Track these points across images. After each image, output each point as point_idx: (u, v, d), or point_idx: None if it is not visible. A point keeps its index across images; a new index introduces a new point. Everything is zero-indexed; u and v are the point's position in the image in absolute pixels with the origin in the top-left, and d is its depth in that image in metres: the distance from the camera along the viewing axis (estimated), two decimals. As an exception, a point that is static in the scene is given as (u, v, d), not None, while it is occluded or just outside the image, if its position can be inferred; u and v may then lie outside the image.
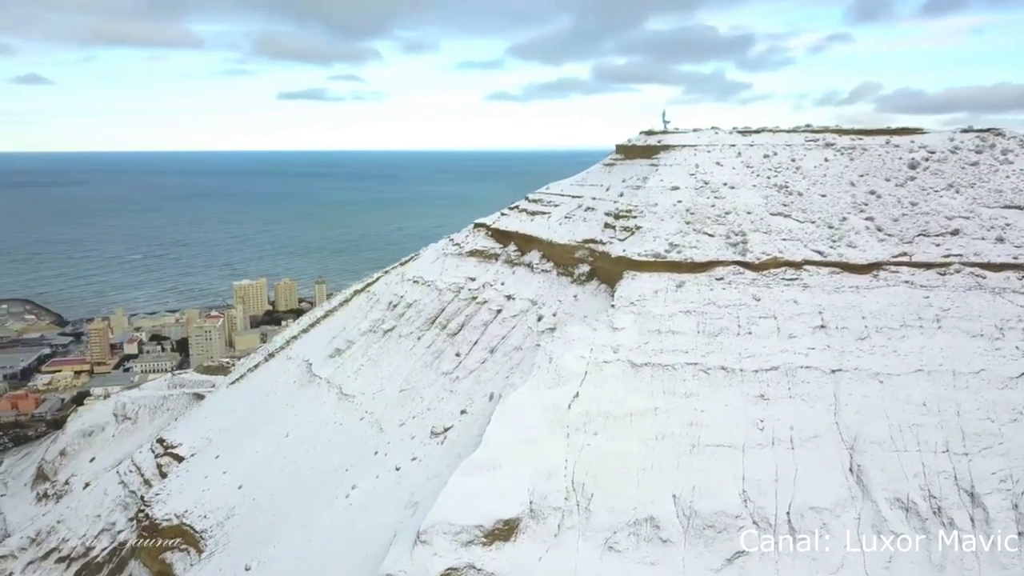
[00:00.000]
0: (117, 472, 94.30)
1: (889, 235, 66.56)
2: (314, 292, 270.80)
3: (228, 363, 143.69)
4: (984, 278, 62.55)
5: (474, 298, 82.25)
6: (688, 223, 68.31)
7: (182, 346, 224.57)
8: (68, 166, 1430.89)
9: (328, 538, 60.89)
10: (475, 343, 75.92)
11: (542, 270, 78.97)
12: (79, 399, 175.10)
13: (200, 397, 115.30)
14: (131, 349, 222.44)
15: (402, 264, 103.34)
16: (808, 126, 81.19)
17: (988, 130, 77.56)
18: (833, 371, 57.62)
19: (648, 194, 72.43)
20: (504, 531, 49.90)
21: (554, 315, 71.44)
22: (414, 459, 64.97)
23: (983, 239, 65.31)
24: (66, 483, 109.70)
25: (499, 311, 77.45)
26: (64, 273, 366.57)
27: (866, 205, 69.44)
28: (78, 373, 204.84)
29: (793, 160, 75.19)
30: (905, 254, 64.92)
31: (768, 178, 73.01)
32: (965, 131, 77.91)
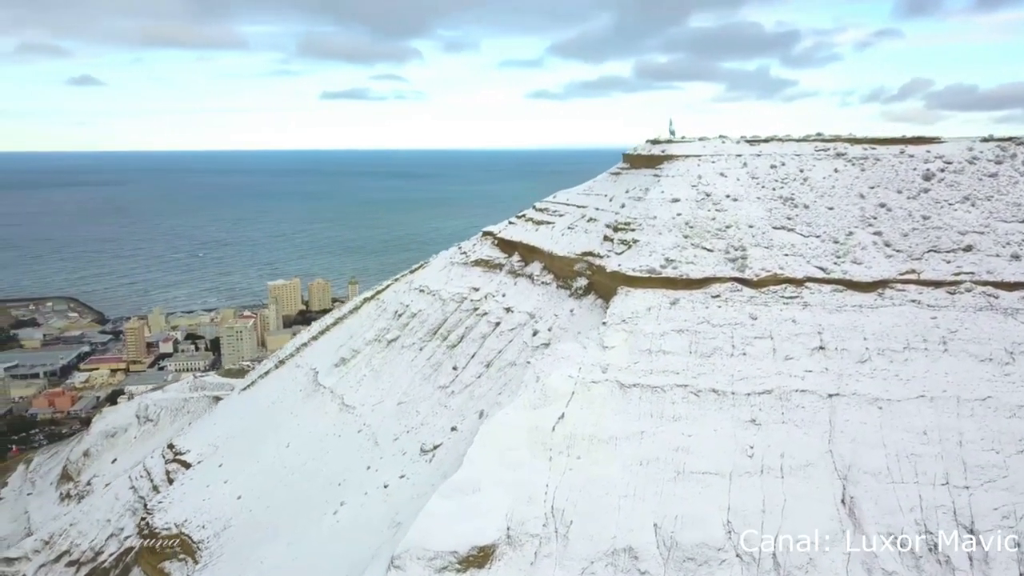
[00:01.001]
0: (129, 477, 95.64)
1: (897, 251, 63.49)
2: (347, 292, 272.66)
3: (248, 366, 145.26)
4: (996, 298, 59.22)
5: (475, 309, 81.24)
6: (686, 237, 66.14)
7: (216, 345, 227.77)
8: (119, 165, 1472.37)
9: (313, 556, 60.60)
10: (472, 356, 74.91)
11: (542, 282, 77.56)
12: (113, 397, 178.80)
13: (219, 400, 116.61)
14: (166, 348, 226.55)
15: (412, 272, 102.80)
16: (819, 135, 78.09)
17: (1010, 139, 73.52)
18: (830, 395, 55.14)
19: (648, 206, 70.39)
20: (479, 558, 48.87)
21: (549, 330, 70.04)
22: (402, 477, 64.34)
23: (998, 256, 61.85)
24: (88, 484, 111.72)
25: (497, 324, 76.30)
26: (111, 271, 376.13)
27: (875, 219, 66.35)
28: (114, 371, 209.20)
29: (801, 171, 72.28)
30: (913, 271, 61.85)
31: (773, 190, 70.33)
32: (985, 140, 74.04)
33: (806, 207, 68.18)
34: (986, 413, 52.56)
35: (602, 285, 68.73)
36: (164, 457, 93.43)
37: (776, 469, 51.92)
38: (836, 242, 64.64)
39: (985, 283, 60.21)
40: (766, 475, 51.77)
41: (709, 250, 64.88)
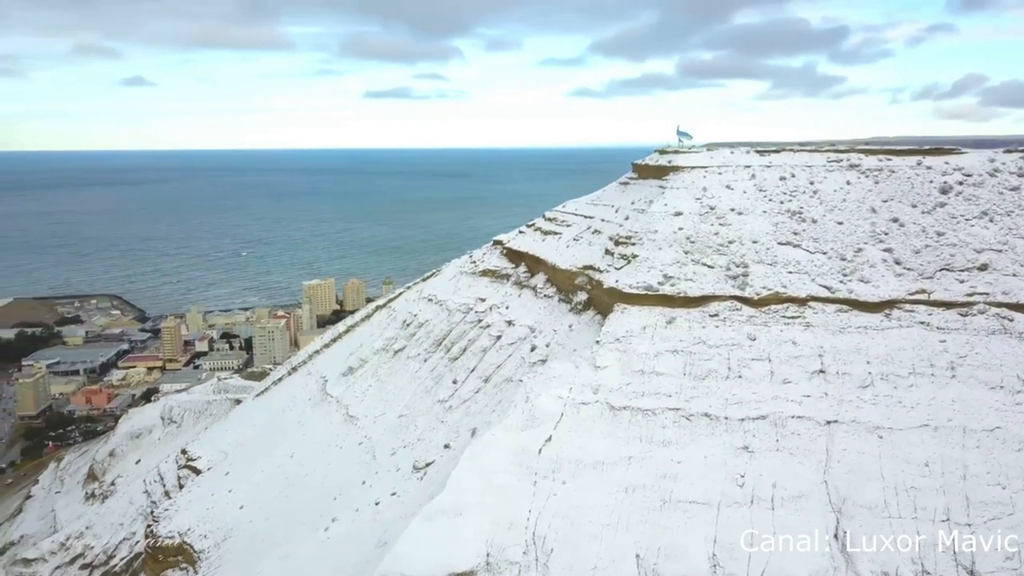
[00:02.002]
0: (143, 481, 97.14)
1: (908, 269, 60.41)
2: (381, 292, 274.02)
3: (269, 370, 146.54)
4: (1011, 321, 55.81)
5: (479, 321, 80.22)
6: (687, 253, 63.97)
7: (250, 345, 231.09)
8: (169, 163, 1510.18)
9: (302, 573, 60.27)
10: (472, 371, 73.92)
11: (545, 295, 76.16)
12: (148, 395, 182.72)
13: (239, 403, 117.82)
14: (202, 347, 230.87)
15: (423, 280, 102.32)
16: (833, 145, 75.11)
17: (1034, 149, 69.70)
18: (828, 422, 52.62)
19: (649, 219, 68.39)
20: (456, 584, 47.84)
21: (547, 346, 68.65)
22: (393, 494, 63.61)
23: (1015, 275, 58.36)
24: (112, 484, 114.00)
25: (499, 337, 75.15)
26: (156, 269, 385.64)
27: (886, 234, 63.28)
28: (151, 369, 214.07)
29: (811, 183, 69.42)
30: (924, 291, 58.75)
31: (781, 203, 67.65)
32: (1008, 151, 70.26)
33: (814, 221, 65.45)
34: (993, 445, 49.58)
35: (600, 301, 67.02)
36: (177, 462, 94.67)
37: (767, 500, 49.74)
38: (844, 259, 61.80)
39: (1000, 304, 56.82)
40: (756, 506, 49.60)
41: (710, 267, 62.65)
